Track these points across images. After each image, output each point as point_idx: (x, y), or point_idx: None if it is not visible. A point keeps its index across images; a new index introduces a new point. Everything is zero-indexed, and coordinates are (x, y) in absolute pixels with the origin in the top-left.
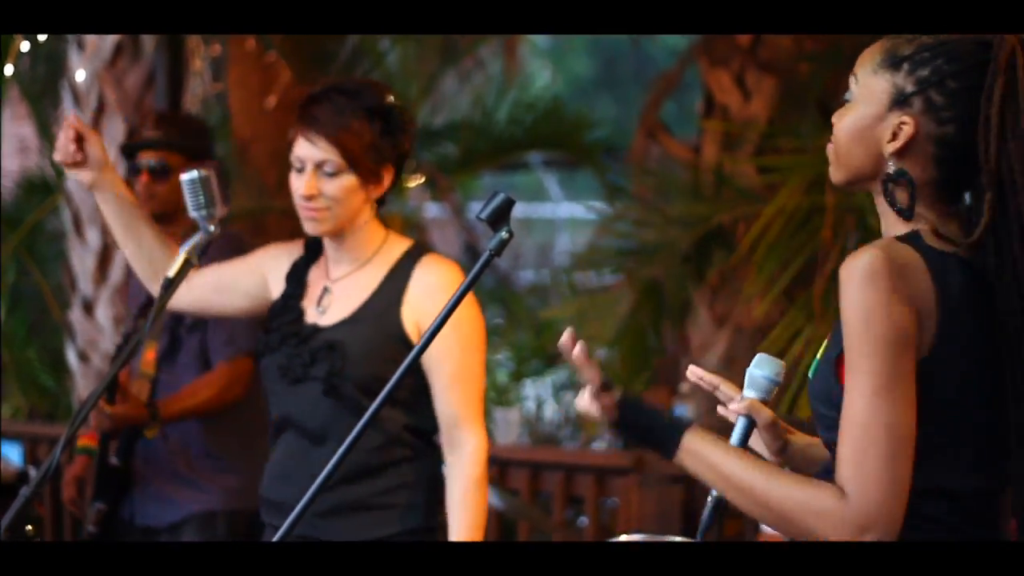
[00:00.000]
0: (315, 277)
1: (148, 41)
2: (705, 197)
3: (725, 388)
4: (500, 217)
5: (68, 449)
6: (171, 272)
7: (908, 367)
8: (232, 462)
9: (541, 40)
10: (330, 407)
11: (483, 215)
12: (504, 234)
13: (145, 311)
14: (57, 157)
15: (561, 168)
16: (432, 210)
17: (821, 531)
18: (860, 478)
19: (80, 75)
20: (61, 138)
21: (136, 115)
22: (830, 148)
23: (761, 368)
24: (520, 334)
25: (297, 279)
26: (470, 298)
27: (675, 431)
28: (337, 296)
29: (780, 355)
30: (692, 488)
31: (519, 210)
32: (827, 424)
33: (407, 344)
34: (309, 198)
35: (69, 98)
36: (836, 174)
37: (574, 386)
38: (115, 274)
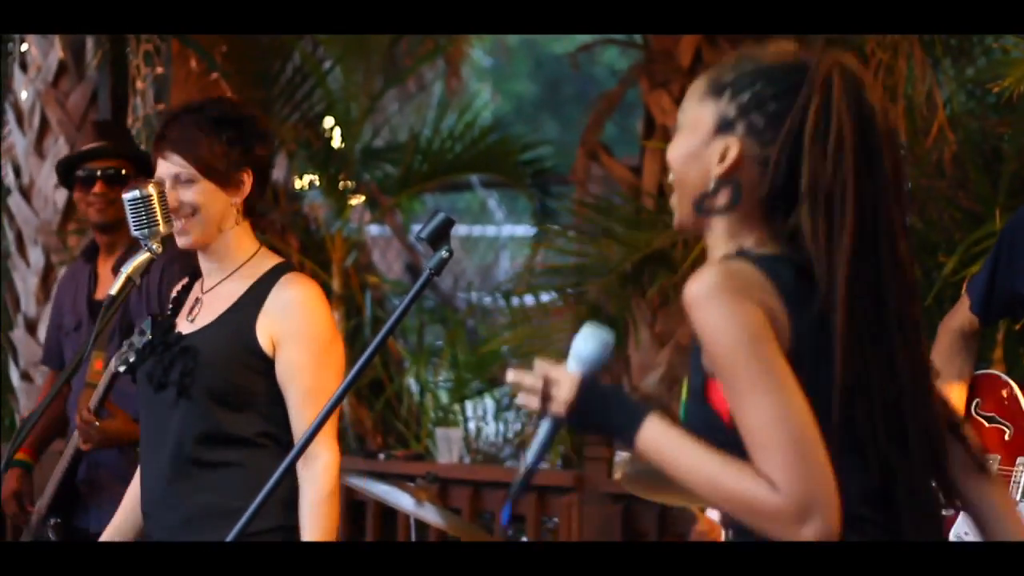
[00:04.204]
0: (194, 293)
1: (91, 61)
2: (646, 218)
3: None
4: (439, 237)
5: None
6: (113, 290)
7: (778, 360)
8: None
9: (484, 61)
10: (182, 412)
11: (422, 235)
12: (444, 253)
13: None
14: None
15: (503, 189)
16: (374, 230)
17: (768, 529)
18: (779, 473)
19: (23, 95)
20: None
21: (79, 135)
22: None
23: (586, 341)
24: (461, 354)
25: (178, 301)
26: (327, 315)
27: (633, 420)
28: (205, 306)
29: None
30: (632, 506)
31: (461, 231)
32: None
33: (261, 356)
34: (174, 211)
35: (12, 118)
36: (678, 210)
37: (515, 406)
38: None
